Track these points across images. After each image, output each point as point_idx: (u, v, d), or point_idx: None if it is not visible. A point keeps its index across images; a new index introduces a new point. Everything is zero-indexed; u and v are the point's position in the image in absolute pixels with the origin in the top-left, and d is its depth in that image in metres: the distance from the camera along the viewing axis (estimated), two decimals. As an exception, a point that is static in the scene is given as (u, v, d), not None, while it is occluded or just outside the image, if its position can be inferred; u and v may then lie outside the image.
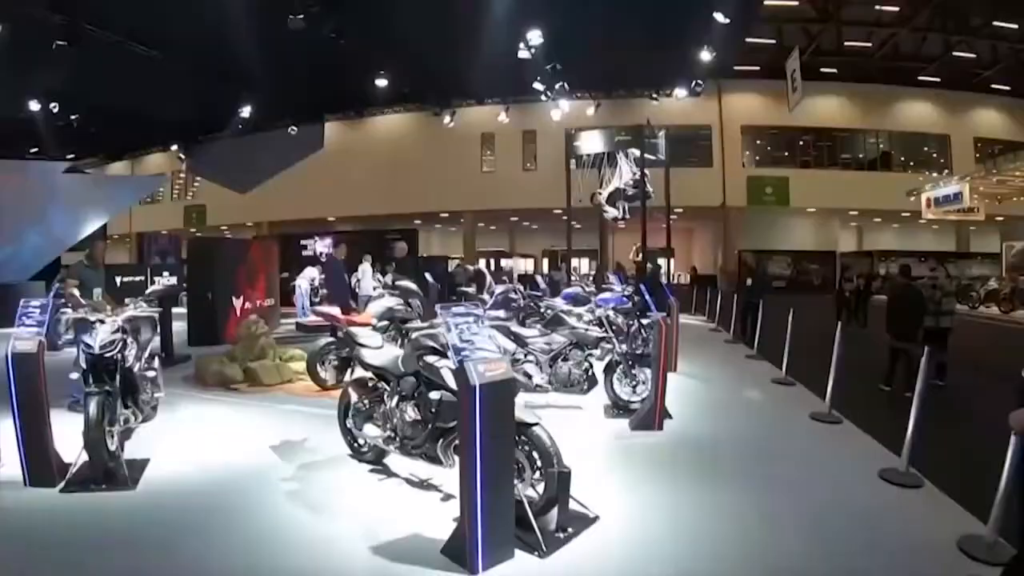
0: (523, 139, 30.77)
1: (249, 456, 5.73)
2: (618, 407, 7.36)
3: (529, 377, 6.93)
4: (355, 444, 5.58)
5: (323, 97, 25.40)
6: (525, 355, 7.24)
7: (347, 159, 32.98)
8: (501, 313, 10.73)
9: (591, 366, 7.46)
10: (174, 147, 31.43)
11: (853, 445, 6.26)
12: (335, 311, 9.72)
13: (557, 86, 18.89)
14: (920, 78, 30.79)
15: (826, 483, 5.16)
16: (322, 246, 30.07)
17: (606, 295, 10.04)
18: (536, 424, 4.11)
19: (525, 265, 37.52)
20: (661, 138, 19.20)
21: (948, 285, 9.65)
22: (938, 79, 30.74)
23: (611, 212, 18.34)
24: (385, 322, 8.97)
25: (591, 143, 19.56)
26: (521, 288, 14.74)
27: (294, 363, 9.40)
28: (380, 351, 5.37)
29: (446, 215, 33.99)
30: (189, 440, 6.15)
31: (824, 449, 6.18)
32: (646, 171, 17.82)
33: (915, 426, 5.13)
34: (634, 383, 7.37)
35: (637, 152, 17.95)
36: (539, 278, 16.93)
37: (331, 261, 11.89)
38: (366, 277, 15.24)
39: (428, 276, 18.02)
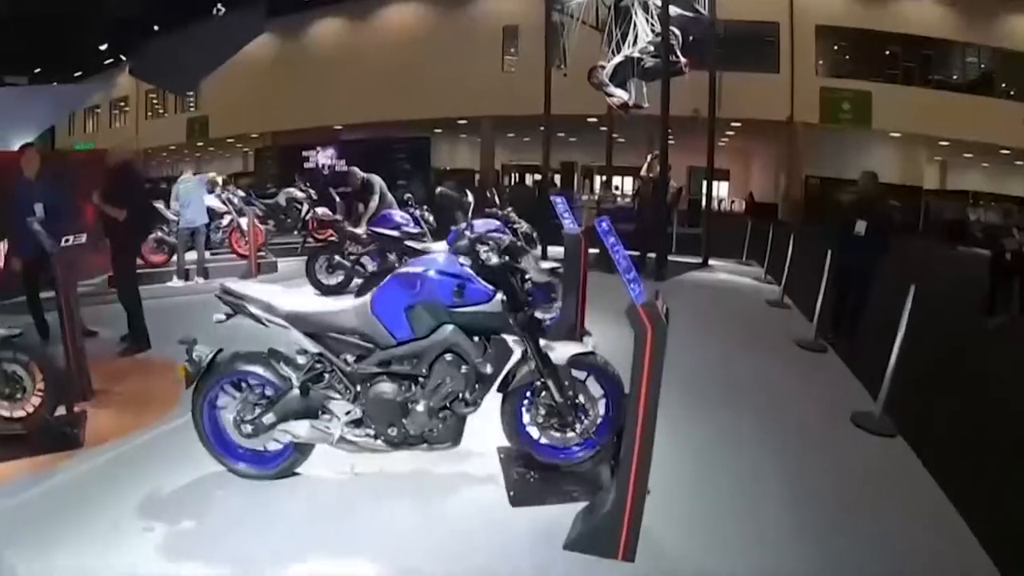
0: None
1: None
2: None
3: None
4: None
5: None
6: None
7: (353, 60, 29.76)
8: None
9: None
10: (103, 47, 28.64)
11: None
12: None
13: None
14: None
15: None
16: (324, 158, 26.99)
17: (418, 270, 3.56)
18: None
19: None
20: None
21: None
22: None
23: (617, 95, 12.54)
24: None
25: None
26: (422, 216, 9.54)
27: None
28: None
29: (464, 122, 30.19)
30: None
31: None
32: (675, 31, 11.66)
33: None
34: None
35: (659, 1, 11.49)
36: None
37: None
38: (193, 199, 10.15)
39: (332, 191, 13.93)
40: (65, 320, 4.88)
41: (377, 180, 10.08)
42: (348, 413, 3.54)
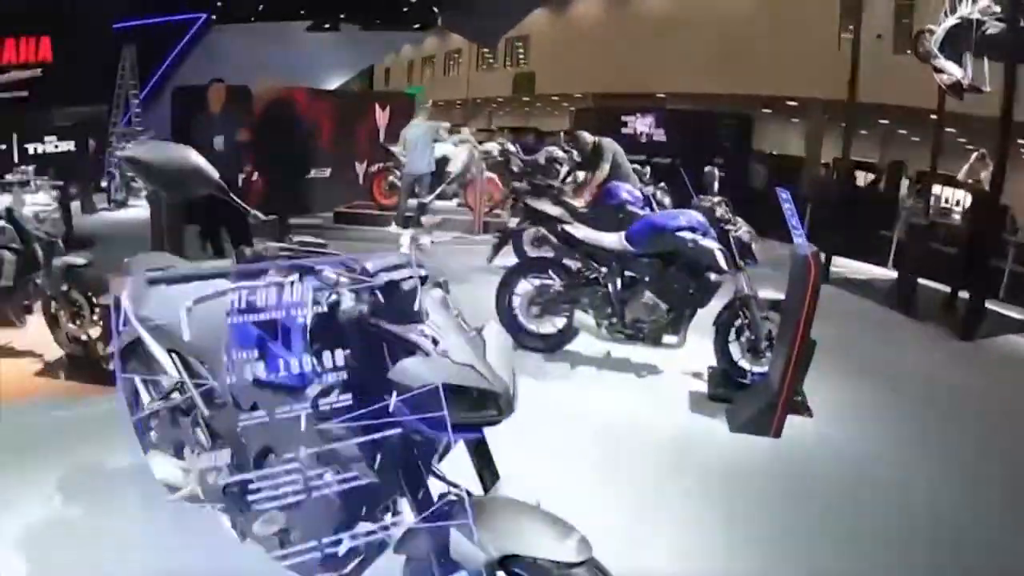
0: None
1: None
2: None
3: None
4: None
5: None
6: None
7: (682, 27, 28.80)
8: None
9: None
10: None
11: None
12: None
13: None
14: None
15: None
16: (642, 125, 27.71)
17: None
18: None
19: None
20: None
21: None
22: None
23: (948, 71, 8.88)
24: None
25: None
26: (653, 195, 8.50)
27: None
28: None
29: (795, 104, 27.78)
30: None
31: None
32: None
33: None
34: None
35: None
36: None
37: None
38: (420, 146, 10.01)
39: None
40: None
41: (611, 146, 8.86)
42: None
